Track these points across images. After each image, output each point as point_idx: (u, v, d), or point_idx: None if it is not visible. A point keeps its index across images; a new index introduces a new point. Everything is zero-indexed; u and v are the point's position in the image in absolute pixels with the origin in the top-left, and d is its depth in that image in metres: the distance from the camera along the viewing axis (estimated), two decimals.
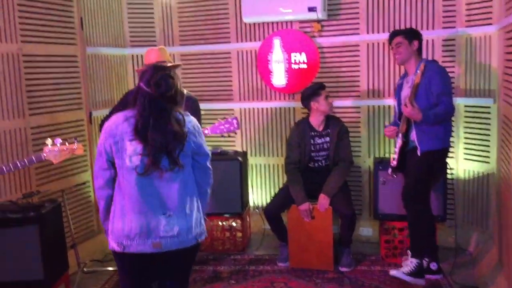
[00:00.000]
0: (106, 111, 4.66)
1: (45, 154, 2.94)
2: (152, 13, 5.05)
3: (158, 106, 2.31)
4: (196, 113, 3.46)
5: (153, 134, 2.29)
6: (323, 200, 3.90)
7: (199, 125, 2.50)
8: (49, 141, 2.91)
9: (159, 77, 2.34)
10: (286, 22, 4.66)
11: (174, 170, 2.33)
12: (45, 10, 4.06)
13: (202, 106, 3.90)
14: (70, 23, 4.34)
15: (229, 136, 4.50)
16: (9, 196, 3.70)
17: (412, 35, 3.63)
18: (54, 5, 4.15)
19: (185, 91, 3.49)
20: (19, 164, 2.94)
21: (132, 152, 2.32)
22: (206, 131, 3.26)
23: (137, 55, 5.06)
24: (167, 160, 2.32)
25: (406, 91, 3.62)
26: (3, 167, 2.91)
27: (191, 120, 2.46)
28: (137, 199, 2.33)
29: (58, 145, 2.99)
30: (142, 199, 2.33)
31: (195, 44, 4.98)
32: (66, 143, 3.00)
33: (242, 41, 4.84)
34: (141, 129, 2.30)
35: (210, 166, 2.55)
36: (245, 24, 4.76)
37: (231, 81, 4.94)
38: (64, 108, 4.28)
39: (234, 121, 3.35)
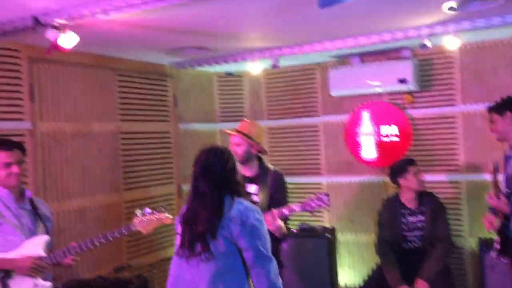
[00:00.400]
0: None
1: (134, 225, 2.99)
2: (242, 89, 5.20)
3: (197, 187, 2.29)
4: (281, 188, 3.39)
5: (187, 214, 2.28)
6: (421, 286, 3.55)
7: (253, 216, 2.24)
8: (138, 211, 2.96)
9: (204, 157, 2.33)
10: (374, 94, 4.55)
11: (206, 256, 2.21)
12: (142, 90, 4.33)
13: (289, 180, 3.83)
14: (165, 101, 4.58)
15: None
16: (103, 268, 3.80)
17: (504, 106, 3.27)
18: (151, 85, 4.42)
19: (270, 166, 3.45)
20: (109, 236, 3.00)
21: (178, 232, 2.36)
22: (296, 208, 3.14)
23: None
24: (200, 244, 2.22)
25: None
26: (96, 239, 2.97)
27: (241, 208, 2.24)
28: (170, 279, 2.34)
29: (147, 214, 3.05)
30: (172, 279, 2.33)
31: (283, 118, 5.01)
32: (155, 212, 3.04)
33: (329, 114, 4.80)
34: (184, 210, 2.33)
35: (269, 269, 2.20)
36: (333, 97, 4.73)
37: (318, 154, 4.87)
38: (156, 182, 4.42)
39: (325, 197, 3.19)
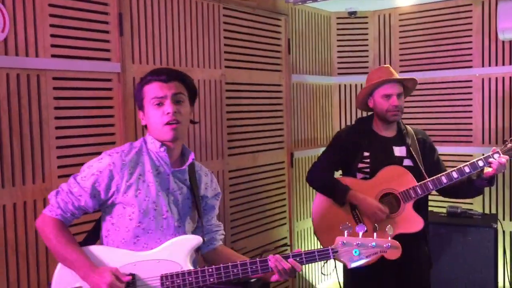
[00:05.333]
0: (308, 153, 3.83)
1: (337, 250, 1.75)
2: (366, 33, 4.14)
3: None
4: (433, 150, 2.77)
5: None
6: None
7: None
8: (346, 226, 1.74)
9: None
10: None
11: None
12: (250, 29, 3.39)
13: None
14: (277, 46, 3.62)
15: None
16: None
17: None
18: (261, 23, 3.47)
19: (411, 129, 2.76)
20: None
21: None
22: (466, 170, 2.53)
23: (344, 85, 4.18)
24: None
25: None
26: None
27: None
28: None
29: (360, 235, 1.74)
30: None
31: (421, 70, 3.91)
32: (374, 235, 1.74)
33: (490, 65, 3.64)
34: None
35: None
36: (498, 42, 3.56)
37: (471, 117, 3.74)
38: (264, 147, 3.53)
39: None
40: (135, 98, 1.88)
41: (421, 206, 2.64)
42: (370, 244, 1.69)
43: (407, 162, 2.66)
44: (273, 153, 3.60)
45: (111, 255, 1.77)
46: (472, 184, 2.55)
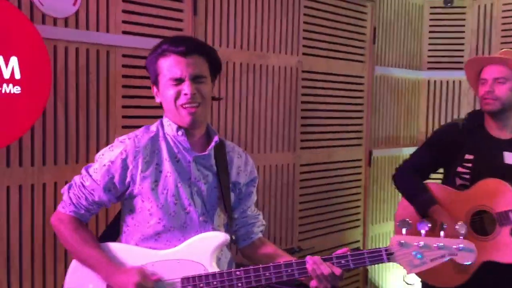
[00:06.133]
0: (388, 152, 3.53)
1: (394, 254, 1.42)
2: (463, 25, 3.74)
3: None
4: None
5: None
6: None
7: None
8: (405, 223, 1.42)
9: None
10: None
11: None
12: (333, 15, 3.17)
13: None
14: (361, 34, 3.36)
15: None
16: None
17: None
18: (344, 9, 3.23)
19: None
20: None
21: None
22: None
23: (434, 81, 3.81)
24: None
25: None
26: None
27: None
28: None
29: (423, 233, 1.41)
30: None
31: None
32: (441, 234, 1.41)
33: None
34: None
35: None
36: None
37: None
38: (340, 142, 3.28)
39: None
40: (147, 69, 1.61)
41: None
42: (435, 245, 1.35)
43: None
44: (349, 149, 3.35)
45: (128, 253, 1.57)
46: None
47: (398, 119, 3.71)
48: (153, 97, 2.28)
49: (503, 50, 2.23)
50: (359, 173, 3.42)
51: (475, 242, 2.03)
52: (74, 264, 1.61)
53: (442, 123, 3.80)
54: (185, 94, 1.51)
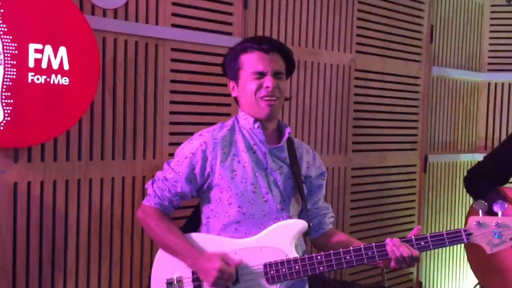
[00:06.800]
0: (445, 158, 3.33)
1: (472, 234, 1.45)
2: None
3: None
4: None
5: None
6: None
7: None
8: (480, 204, 1.43)
9: None
10: None
11: None
12: (388, 12, 3.01)
13: None
14: (417, 33, 3.18)
15: None
16: None
17: None
18: (400, 6, 3.07)
19: None
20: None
21: None
22: None
23: (495, 83, 3.58)
24: None
25: None
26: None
27: None
28: None
29: (500, 214, 1.43)
30: None
31: None
32: None
33: None
34: None
35: None
36: None
37: None
38: (394, 146, 3.11)
39: None
40: (226, 65, 1.72)
41: None
42: None
43: None
44: (404, 154, 3.17)
45: (211, 243, 1.64)
46: None
47: (456, 123, 3.49)
48: (200, 93, 2.22)
49: None
50: (414, 179, 3.22)
51: None
52: (160, 254, 1.70)
53: (504, 128, 3.55)
54: (267, 87, 1.61)
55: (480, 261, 2.17)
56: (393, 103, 3.08)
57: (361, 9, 2.87)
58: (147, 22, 2.13)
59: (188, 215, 1.94)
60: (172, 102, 2.23)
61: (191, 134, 2.22)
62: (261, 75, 1.63)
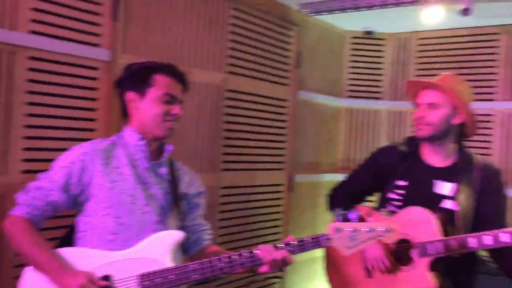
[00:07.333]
0: (310, 178, 3.51)
1: (330, 237, 1.59)
2: (382, 56, 3.87)
3: None
4: (498, 192, 2.07)
5: None
6: None
7: None
8: (337, 212, 1.61)
9: None
10: None
11: None
12: (260, 36, 3.12)
13: None
14: (286, 57, 3.34)
15: None
16: None
17: None
18: (271, 31, 3.19)
19: (477, 156, 2.13)
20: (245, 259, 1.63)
21: None
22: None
23: (355, 109, 3.88)
24: None
25: None
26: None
27: None
28: None
29: (353, 221, 1.60)
30: None
31: None
32: (369, 220, 1.61)
33: None
34: None
35: None
36: None
37: (490, 154, 3.43)
38: (263, 166, 3.20)
39: None
40: (131, 76, 1.73)
41: (461, 269, 2.04)
42: (364, 229, 1.56)
43: (448, 204, 2.05)
44: (272, 173, 3.27)
45: (85, 256, 1.60)
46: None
47: (320, 145, 3.71)
48: (62, 107, 2.07)
49: (442, 74, 2.15)
50: (281, 198, 3.35)
51: (395, 269, 2.02)
52: (27, 271, 1.62)
53: (360, 151, 3.86)
54: (176, 114, 1.71)
55: (333, 270, 2.30)
56: (262, 124, 3.17)
57: (234, 31, 2.93)
58: (2, 27, 1.94)
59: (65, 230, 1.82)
60: (28, 115, 2.05)
61: (51, 150, 2.07)
62: (172, 101, 1.70)
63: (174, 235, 1.66)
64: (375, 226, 1.55)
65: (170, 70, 1.74)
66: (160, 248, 1.62)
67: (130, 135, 1.74)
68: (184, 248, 1.81)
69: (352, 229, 1.56)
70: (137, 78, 1.72)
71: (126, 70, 1.78)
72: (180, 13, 2.62)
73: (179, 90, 1.74)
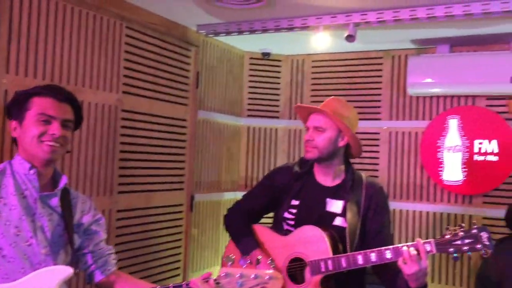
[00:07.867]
0: (211, 197, 3.52)
1: (219, 282, 1.63)
2: (279, 77, 4.01)
3: None
4: (383, 210, 2.19)
5: None
6: None
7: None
8: (230, 258, 1.66)
9: None
10: (467, 96, 3.42)
11: None
12: (156, 55, 3.09)
13: None
14: (184, 77, 3.34)
15: None
16: None
17: None
18: (168, 51, 3.18)
19: (363, 175, 2.26)
20: None
21: None
22: (428, 248, 1.89)
23: (253, 128, 3.97)
24: None
25: None
26: None
27: None
28: None
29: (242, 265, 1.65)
30: None
31: None
32: (257, 267, 1.67)
33: (398, 118, 3.63)
34: None
35: None
36: (405, 97, 3.58)
37: (377, 170, 3.67)
38: (161, 186, 3.15)
39: (484, 235, 1.85)
40: (13, 105, 1.68)
41: (351, 284, 2.12)
42: (252, 276, 1.61)
43: (340, 221, 2.14)
44: (171, 194, 3.24)
45: None
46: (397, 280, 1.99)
47: (220, 164, 3.74)
48: None
49: (328, 98, 2.24)
50: (181, 218, 3.31)
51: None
52: None
53: (261, 168, 3.94)
54: (53, 134, 1.62)
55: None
56: (160, 144, 3.13)
57: (129, 50, 2.88)
58: None
59: None
60: None
61: None
62: (48, 120, 1.63)
63: (61, 271, 1.60)
64: (261, 273, 1.61)
65: (49, 91, 1.67)
66: (45, 283, 1.55)
67: (20, 163, 1.67)
68: (89, 274, 1.80)
69: (241, 275, 1.61)
70: (17, 105, 1.67)
71: (12, 98, 1.72)
72: (70, 32, 2.52)
73: (61, 110, 1.66)
